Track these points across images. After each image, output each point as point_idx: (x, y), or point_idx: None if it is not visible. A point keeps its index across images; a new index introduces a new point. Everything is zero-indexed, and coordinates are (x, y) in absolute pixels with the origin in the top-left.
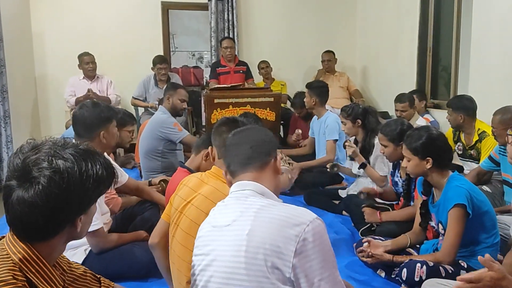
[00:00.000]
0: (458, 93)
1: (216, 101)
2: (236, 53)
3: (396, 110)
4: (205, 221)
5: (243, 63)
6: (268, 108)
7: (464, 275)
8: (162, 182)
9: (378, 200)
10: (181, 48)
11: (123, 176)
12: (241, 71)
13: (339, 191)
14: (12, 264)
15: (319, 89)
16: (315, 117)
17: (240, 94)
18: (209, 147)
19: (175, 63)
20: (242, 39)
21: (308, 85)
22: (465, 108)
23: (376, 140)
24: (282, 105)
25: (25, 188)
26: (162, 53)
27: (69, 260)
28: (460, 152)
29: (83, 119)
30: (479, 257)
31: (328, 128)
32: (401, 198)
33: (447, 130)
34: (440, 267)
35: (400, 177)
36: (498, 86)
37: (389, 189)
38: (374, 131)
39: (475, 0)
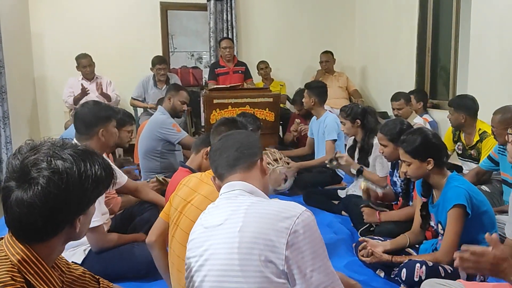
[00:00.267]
0: (457, 93)
1: (215, 101)
2: (235, 54)
3: (393, 109)
4: (197, 223)
5: (242, 63)
6: (267, 109)
7: (469, 246)
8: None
9: (378, 201)
10: (180, 48)
11: (122, 177)
12: (240, 72)
13: (338, 191)
14: (10, 265)
15: (318, 89)
16: (314, 118)
17: (239, 95)
18: (209, 146)
19: (174, 64)
20: (241, 39)
21: (307, 86)
22: (467, 108)
23: (375, 141)
24: (281, 105)
25: (24, 189)
26: (161, 54)
27: (67, 261)
28: (460, 152)
29: (83, 116)
30: (486, 234)
31: (327, 128)
32: (400, 198)
33: (446, 130)
34: (440, 267)
35: (399, 177)
36: (497, 85)
37: (389, 190)
38: (373, 131)
39: (473, 0)
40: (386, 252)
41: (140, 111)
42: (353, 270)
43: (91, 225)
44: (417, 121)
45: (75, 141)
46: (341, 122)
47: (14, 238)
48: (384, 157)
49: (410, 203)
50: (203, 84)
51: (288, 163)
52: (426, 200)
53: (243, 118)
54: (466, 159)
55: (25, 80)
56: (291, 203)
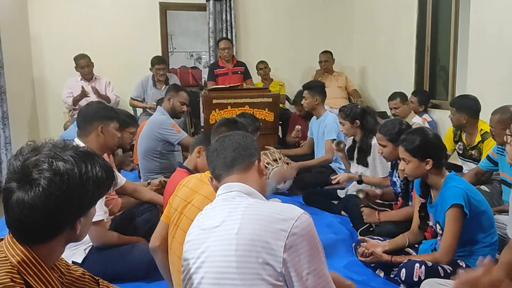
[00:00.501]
0: (456, 93)
1: (214, 101)
2: (234, 54)
3: (390, 108)
4: (193, 225)
5: (241, 64)
6: (266, 109)
7: (462, 275)
8: (162, 181)
9: (377, 201)
10: (179, 48)
11: (120, 178)
12: (239, 72)
13: (338, 191)
14: (10, 267)
15: (319, 88)
16: (313, 118)
17: (239, 95)
18: (200, 145)
19: (173, 64)
20: (240, 39)
21: (307, 86)
22: (469, 108)
23: (374, 141)
24: (281, 105)
25: (25, 190)
26: (160, 54)
27: (67, 262)
28: (460, 152)
29: (85, 112)
30: (479, 258)
31: (326, 127)
32: (399, 198)
33: (447, 130)
34: (439, 267)
35: (398, 177)
36: (496, 85)
37: (388, 190)
38: (372, 132)
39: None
40: (385, 252)
41: (139, 111)
42: (353, 270)
43: (94, 219)
44: (416, 120)
45: (75, 141)
46: (340, 122)
47: (14, 239)
48: (383, 157)
49: (410, 203)
50: (202, 84)
51: (287, 163)
52: (424, 201)
53: (243, 118)
54: (467, 159)
55: (24, 80)
56: (289, 206)
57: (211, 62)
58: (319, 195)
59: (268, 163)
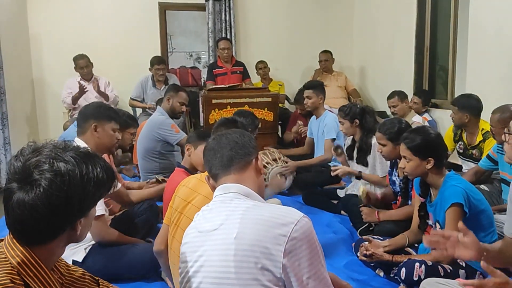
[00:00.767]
0: (456, 92)
1: (214, 101)
2: (234, 54)
3: (389, 107)
4: (190, 226)
5: (240, 64)
6: (266, 108)
7: (466, 281)
8: (158, 179)
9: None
10: (178, 48)
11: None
12: (238, 72)
13: (338, 190)
14: (10, 268)
15: (320, 86)
16: (313, 117)
17: (238, 95)
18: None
19: (173, 64)
20: (240, 39)
21: (311, 85)
22: (471, 108)
23: (373, 141)
24: (280, 105)
25: (25, 190)
26: (159, 54)
27: (67, 263)
28: (461, 151)
29: (84, 109)
30: (482, 263)
31: (326, 127)
32: (399, 197)
33: (446, 129)
34: (439, 267)
35: (398, 176)
36: (495, 85)
37: (388, 192)
38: (371, 131)
39: None
40: (385, 251)
41: (138, 111)
42: (353, 270)
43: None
44: (416, 119)
45: (75, 142)
46: (339, 121)
47: (14, 240)
48: (382, 156)
49: (409, 202)
50: (202, 84)
51: (286, 163)
52: (424, 200)
53: (243, 117)
54: (467, 159)
55: (23, 81)
56: (288, 209)
57: (211, 62)
58: (318, 195)
59: (267, 163)
